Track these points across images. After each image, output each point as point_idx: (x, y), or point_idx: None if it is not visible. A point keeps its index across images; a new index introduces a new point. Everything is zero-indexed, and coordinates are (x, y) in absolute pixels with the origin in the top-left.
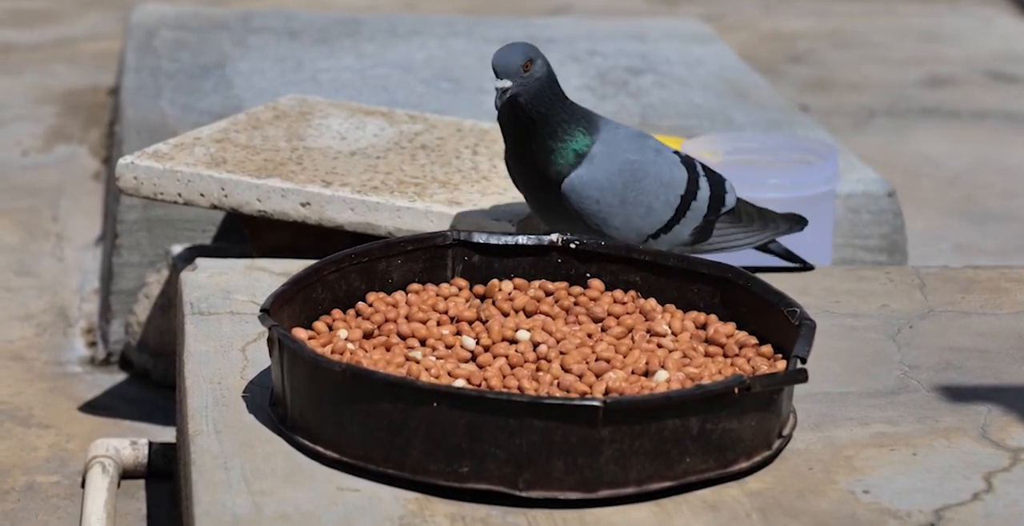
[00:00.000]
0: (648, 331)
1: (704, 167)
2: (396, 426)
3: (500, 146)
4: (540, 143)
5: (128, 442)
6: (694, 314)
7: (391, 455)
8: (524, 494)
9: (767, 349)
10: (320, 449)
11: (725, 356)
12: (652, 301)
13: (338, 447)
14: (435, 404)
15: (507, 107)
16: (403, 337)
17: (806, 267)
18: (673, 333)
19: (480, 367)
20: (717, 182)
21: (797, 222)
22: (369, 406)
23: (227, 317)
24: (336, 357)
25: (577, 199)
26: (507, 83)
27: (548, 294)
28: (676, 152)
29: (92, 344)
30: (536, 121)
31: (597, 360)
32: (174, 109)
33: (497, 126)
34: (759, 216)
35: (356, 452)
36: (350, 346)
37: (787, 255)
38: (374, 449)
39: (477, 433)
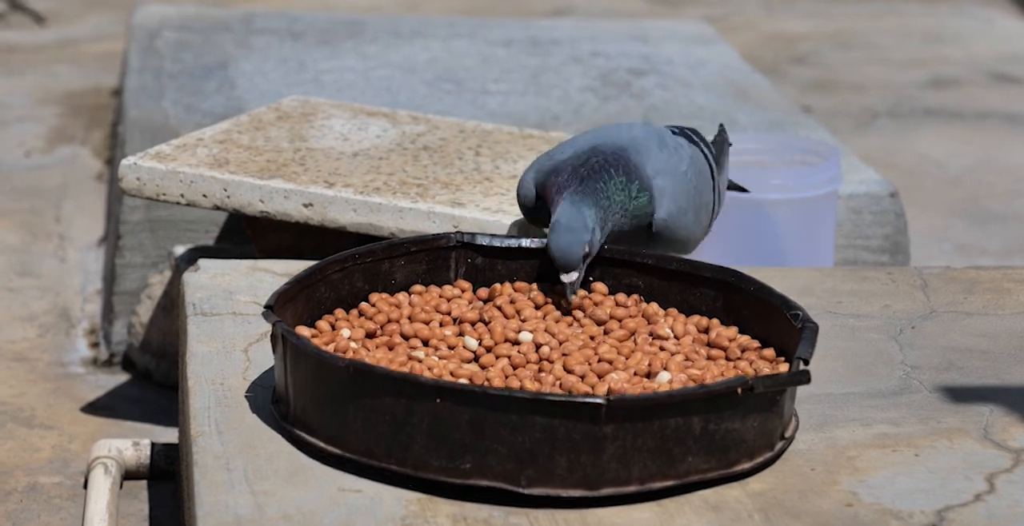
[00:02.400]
0: (651, 334)
1: (688, 131)
2: (399, 422)
3: (502, 147)
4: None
5: (130, 443)
6: (696, 318)
7: (393, 451)
8: (526, 491)
9: (769, 352)
10: (322, 445)
11: (727, 359)
12: (655, 305)
13: (341, 443)
14: (438, 400)
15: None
16: (406, 337)
17: (744, 191)
18: (676, 336)
19: (482, 367)
20: (703, 139)
21: (721, 131)
22: (372, 402)
23: (229, 318)
24: (339, 355)
25: (671, 233)
26: (574, 276)
27: (549, 297)
28: (672, 130)
29: (95, 345)
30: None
31: (599, 361)
32: (177, 110)
33: (499, 127)
34: (718, 151)
35: (359, 448)
36: (353, 345)
37: (733, 186)
38: (377, 445)
39: (480, 429)
